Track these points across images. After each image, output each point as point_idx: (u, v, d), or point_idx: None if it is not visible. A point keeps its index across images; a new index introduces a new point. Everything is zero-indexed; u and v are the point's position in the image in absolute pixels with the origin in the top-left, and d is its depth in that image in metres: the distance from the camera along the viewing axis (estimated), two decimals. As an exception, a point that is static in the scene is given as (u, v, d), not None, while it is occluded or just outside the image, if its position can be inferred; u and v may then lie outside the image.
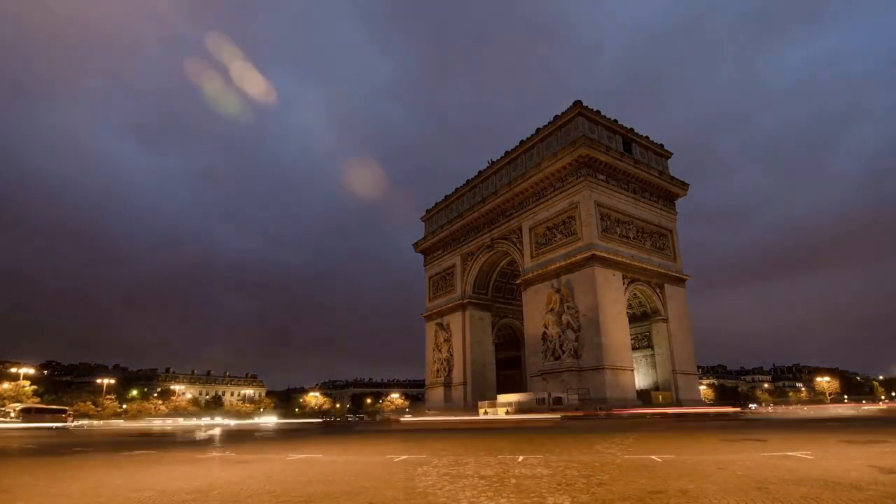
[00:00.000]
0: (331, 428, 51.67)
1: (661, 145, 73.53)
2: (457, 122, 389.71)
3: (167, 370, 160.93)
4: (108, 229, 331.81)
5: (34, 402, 74.63)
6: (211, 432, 39.73)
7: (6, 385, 78.77)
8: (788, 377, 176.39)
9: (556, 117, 67.75)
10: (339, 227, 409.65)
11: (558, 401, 56.80)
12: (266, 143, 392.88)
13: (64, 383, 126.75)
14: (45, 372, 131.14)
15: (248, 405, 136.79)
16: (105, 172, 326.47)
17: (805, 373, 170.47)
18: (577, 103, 65.24)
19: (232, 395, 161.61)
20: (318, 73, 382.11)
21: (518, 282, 70.54)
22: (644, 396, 58.92)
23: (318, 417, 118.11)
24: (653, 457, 12.56)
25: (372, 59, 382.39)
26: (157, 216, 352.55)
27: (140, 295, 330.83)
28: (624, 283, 61.12)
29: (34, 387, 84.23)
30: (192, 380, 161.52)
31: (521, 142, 73.58)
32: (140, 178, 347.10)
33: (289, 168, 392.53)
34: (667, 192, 70.83)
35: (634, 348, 60.27)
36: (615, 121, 67.96)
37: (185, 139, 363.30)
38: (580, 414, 49.90)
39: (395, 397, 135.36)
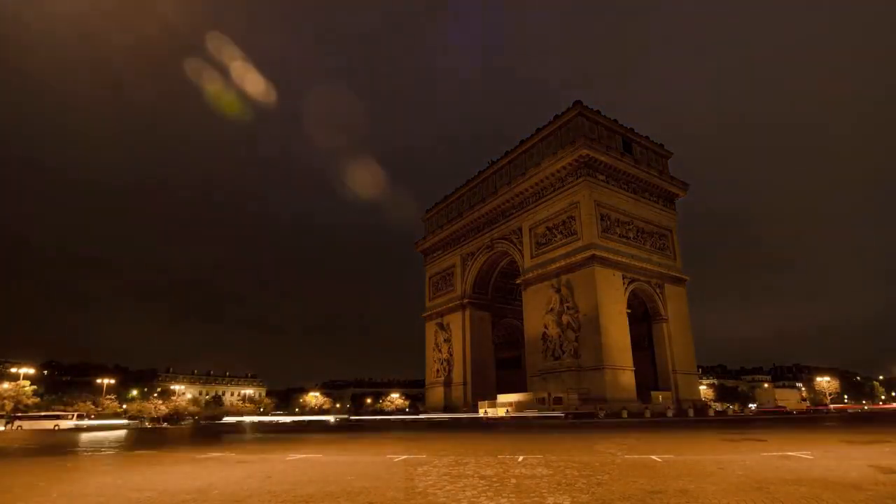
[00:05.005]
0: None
1: (661, 145, 73.48)
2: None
3: (167, 370, 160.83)
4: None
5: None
6: None
7: (6, 385, 78.69)
8: (788, 377, 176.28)
9: (556, 117, 67.69)
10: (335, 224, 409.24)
11: (558, 401, 56.78)
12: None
13: (64, 383, 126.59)
14: (45, 372, 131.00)
15: (248, 405, 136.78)
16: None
17: (805, 373, 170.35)
18: (578, 103, 65.18)
19: (232, 394, 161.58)
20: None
21: (518, 282, 70.50)
22: (644, 396, 58.90)
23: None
24: (653, 457, 12.55)
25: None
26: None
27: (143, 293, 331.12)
28: (624, 283, 61.09)
29: (34, 387, 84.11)
30: (192, 380, 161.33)
31: (522, 142, 73.53)
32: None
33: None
34: (667, 192, 70.80)
35: (634, 348, 60.31)
36: (615, 121, 67.92)
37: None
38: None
39: (395, 397, 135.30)
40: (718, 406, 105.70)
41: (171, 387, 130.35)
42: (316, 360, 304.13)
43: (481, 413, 63.45)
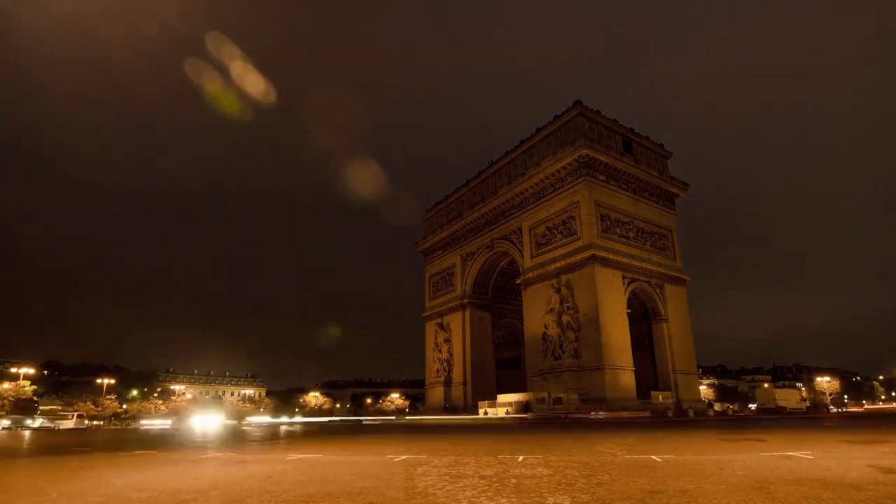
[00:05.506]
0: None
1: (662, 145, 73.50)
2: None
3: (167, 370, 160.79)
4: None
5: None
6: None
7: (6, 385, 78.65)
8: (788, 377, 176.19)
9: (556, 117, 67.70)
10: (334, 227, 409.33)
11: (558, 401, 56.78)
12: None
13: (64, 383, 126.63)
14: (45, 372, 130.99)
15: (248, 405, 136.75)
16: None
17: (805, 373, 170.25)
18: (578, 103, 65.19)
19: (232, 395, 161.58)
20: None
21: (518, 282, 70.53)
22: (644, 396, 58.90)
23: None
24: (653, 457, 12.54)
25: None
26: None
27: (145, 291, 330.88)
28: (624, 283, 61.10)
29: (34, 387, 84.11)
30: (192, 380, 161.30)
31: (522, 141, 73.56)
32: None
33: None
34: (667, 192, 70.83)
35: (634, 348, 60.29)
36: (615, 120, 67.94)
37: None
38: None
39: (395, 397, 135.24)
40: (718, 406, 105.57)
41: (172, 387, 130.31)
42: (316, 360, 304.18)
43: (481, 413, 63.43)
